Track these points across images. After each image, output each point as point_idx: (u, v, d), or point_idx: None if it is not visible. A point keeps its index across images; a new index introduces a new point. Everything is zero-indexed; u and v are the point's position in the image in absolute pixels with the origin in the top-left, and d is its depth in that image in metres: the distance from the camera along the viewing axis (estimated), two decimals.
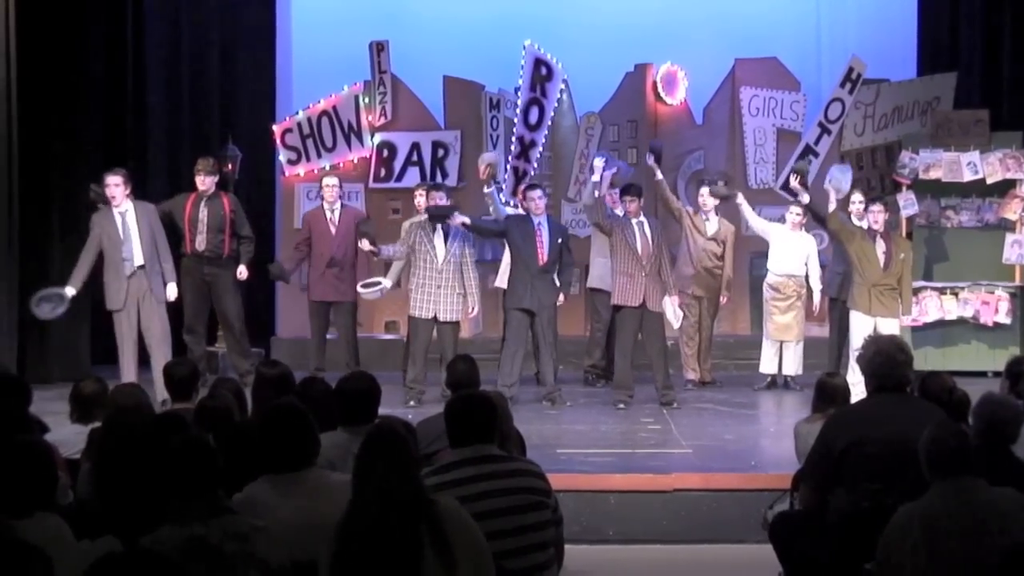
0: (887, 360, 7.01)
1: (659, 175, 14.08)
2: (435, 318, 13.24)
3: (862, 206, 13.58)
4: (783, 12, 17.41)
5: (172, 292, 13.06)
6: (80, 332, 14.82)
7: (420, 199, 13.75)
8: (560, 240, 13.43)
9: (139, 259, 12.68)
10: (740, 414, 13.06)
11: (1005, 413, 7.13)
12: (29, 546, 4.66)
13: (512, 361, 13.22)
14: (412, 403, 12.88)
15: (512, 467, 5.93)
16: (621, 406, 13.08)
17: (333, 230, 14.10)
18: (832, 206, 13.57)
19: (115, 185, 12.74)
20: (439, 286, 13.18)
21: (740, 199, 14.56)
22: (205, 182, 13.81)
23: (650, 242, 13.02)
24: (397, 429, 5.27)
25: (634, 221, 13.06)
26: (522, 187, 14.38)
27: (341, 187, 14.58)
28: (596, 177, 13.56)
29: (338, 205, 14.26)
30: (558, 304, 13.59)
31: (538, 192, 13.48)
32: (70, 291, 12.76)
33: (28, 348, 14.38)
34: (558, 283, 13.45)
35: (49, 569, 4.55)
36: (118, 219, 12.72)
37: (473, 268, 13.47)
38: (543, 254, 13.24)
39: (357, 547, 4.81)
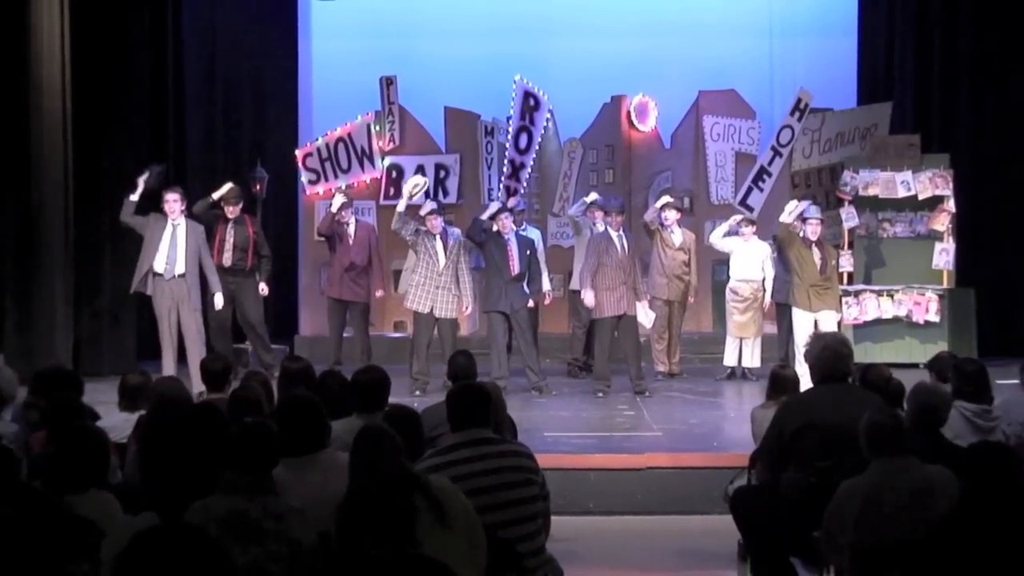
0: (832, 354, 7.01)
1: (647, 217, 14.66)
2: (432, 312, 13.31)
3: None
4: (741, 50, 17.40)
5: (219, 301, 13.25)
6: (127, 331, 14.91)
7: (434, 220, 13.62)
8: (528, 252, 13.55)
9: (181, 268, 12.69)
10: (704, 401, 13.06)
11: (935, 400, 7.15)
12: (83, 519, 4.65)
13: (498, 357, 13.35)
14: (418, 392, 12.88)
15: (505, 448, 5.92)
16: (600, 395, 13.10)
17: (351, 241, 14.23)
18: (785, 219, 13.62)
19: (173, 200, 12.82)
20: (438, 287, 13.28)
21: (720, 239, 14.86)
22: (234, 211, 14.02)
23: (627, 253, 13.10)
24: (382, 427, 5.27)
25: (614, 234, 13.13)
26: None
27: (352, 204, 14.78)
28: (589, 199, 14.14)
29: (352, 220, 14.42)
30: (534, 306, 13.83)
31: (505, 214, 13.60)
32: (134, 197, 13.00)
33: (82, 345, 14.41)
34: (528, 291, 13.53)
35: (100, 539, 4.55)
36: (169, 230, 12.75)
37: (467, 273, 13.55)
38: (514, 265, 13.38)
39: (360, 515, 4.79)
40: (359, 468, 5.00)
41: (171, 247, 12.71)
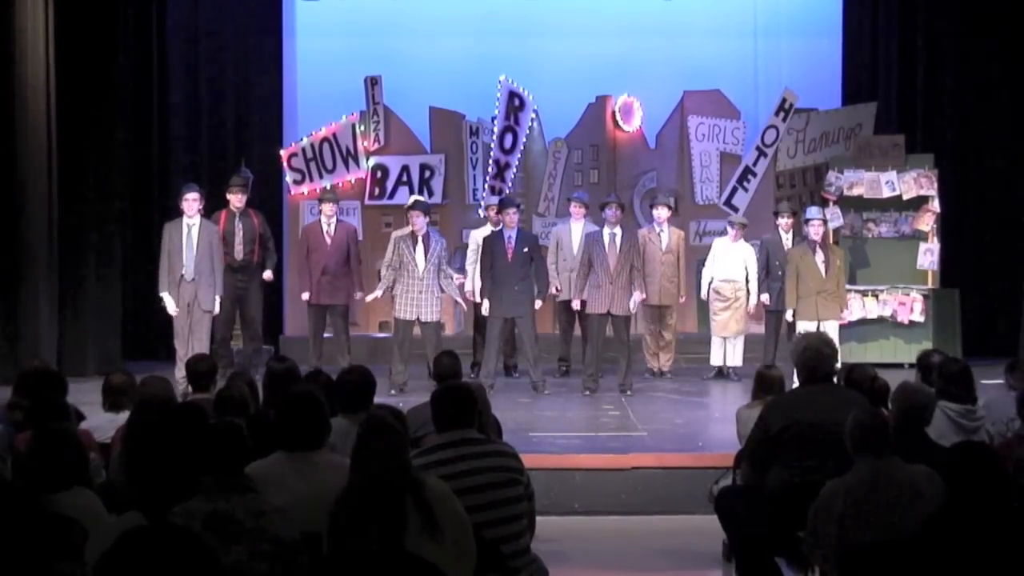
0: (815, 354, 7.04)
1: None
2: (418, 319, 13.28)
3: (788, 220, 14.14)
4: (726, 50, 17.38)
5: (216, 304, 13.22)
6: (112, 330, 14.89)
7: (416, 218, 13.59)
8: (526, 250, 13.43)
9: (192, 272, 12.91)
10: (689, 401, 13.08)
11: (919, 400, 7.17)
12: (67, 519, 4.65)
13: (492, 357, 13.35)
14: (393, 392, 12.78)
15: (490, 448, 5.92)
16: (587, 392, 13.15)
17: (328, 245, 14.07)
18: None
19: (193, 200, 13.00)
20: (420, 292, 13.24)
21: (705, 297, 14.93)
22: (241, 200, 13.98)
23: (618, 251, 13.09)
24: (391, 420, 5.26)
25: (607, 232, 13.14)
26: (494, 204, 14.42)
27: (338, 204, 14.74)
28: None
29: (334, 221, 14.25)
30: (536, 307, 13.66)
31: (511, 208, 13.52)
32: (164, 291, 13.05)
33: (67, 344, 14.36)
34: (533, 292, 13.49)
35: (84, 538, 4.55)
36: (185, 230, 12.97)
37: (448, 274, 13.50)
38: (510, 261, 13.27)
39: (349, 518, 4.80)
40: (361, 461, 5.00)
41: (187, 249, 12.92)
